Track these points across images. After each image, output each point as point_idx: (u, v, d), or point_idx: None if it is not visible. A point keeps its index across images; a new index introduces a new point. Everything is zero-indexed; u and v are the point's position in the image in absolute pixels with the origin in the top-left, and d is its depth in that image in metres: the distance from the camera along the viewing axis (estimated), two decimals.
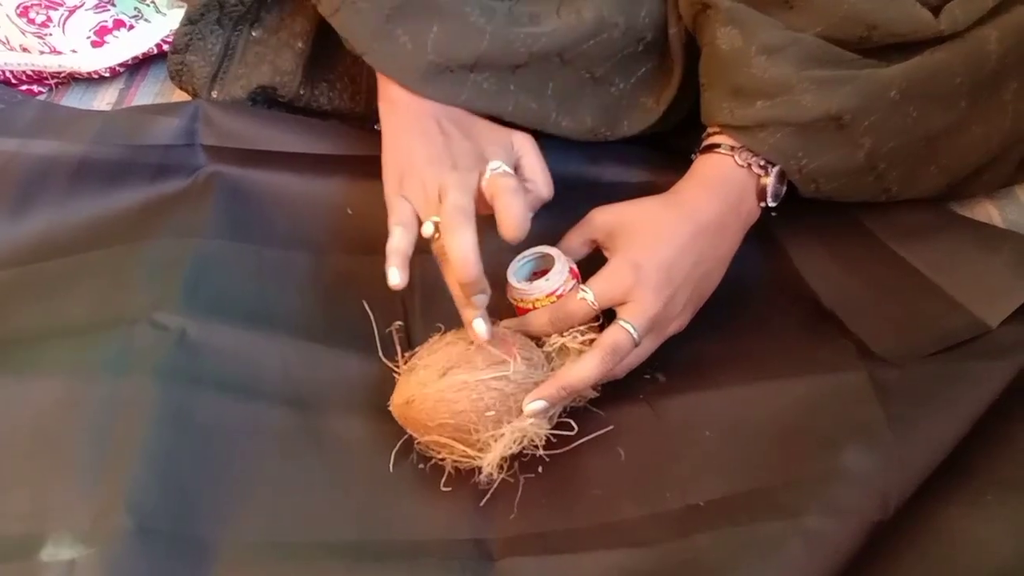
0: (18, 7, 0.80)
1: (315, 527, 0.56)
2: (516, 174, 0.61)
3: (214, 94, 0.76)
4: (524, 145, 0.62)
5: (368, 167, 0.65)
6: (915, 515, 0.52)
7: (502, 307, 0.63)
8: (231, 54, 0.76)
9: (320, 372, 0.62)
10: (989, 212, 0.70)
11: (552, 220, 0.66)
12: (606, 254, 0.61)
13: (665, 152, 0.74)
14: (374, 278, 0.60)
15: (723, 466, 0.56)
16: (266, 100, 0.77)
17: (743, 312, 0.65)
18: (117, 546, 0.51)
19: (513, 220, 0.55)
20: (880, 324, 0.61)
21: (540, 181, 0.62)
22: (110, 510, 0.53)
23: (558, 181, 0.71)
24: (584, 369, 0.57)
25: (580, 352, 0.58)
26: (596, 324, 0.60)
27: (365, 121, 0.75)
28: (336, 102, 0.76)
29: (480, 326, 0.56)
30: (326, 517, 0.56)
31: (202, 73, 0.76)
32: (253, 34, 0.76)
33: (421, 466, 0.58)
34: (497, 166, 0.58)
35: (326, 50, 0.74)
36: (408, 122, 0.63)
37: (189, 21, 0.74)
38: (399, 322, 0.63)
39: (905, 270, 0.63)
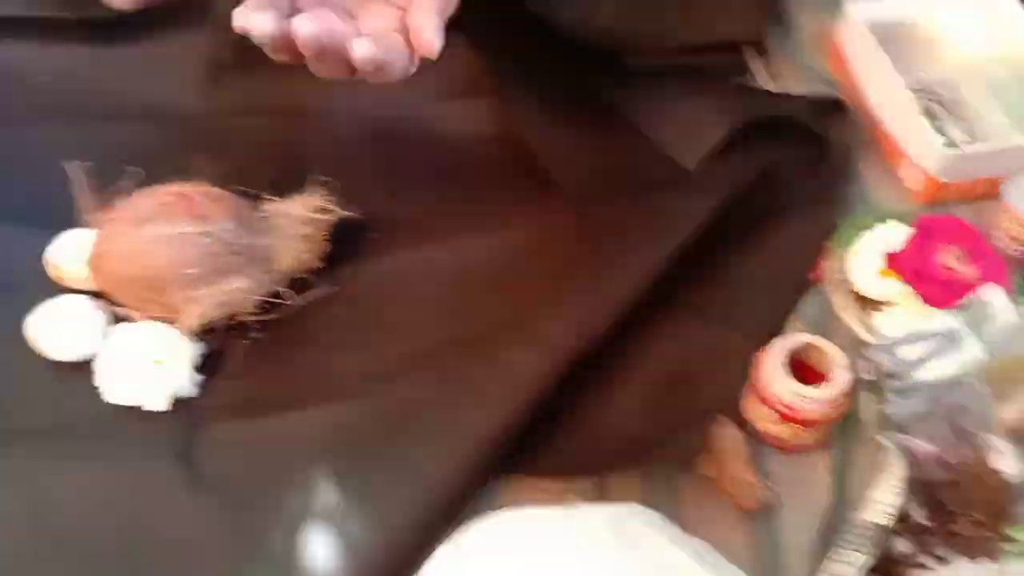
0: None
1: (6, 413, 0.52)
2: None
3: None
4: None
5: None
6: (614, 345, 0.54)
7: None
8: None
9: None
10: None
11: None
12: None
13: None
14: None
15: (437, 314, 0.56)
16: None
17: (459, 166, 0.64)
18: None
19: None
20: (583, 171, 0.62)
21: None
22: None
23: None
24: None
25: (301, 221, 0.55)
26: (326, 207, 0.56)
27: None
28: None
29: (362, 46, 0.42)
30: (11, 402, 0.52)
31: None
32: None
33: None
34: None
35: None
36: None
37: None
38: (89, 163, 0.56)
39: (614, 116, 0.64)
